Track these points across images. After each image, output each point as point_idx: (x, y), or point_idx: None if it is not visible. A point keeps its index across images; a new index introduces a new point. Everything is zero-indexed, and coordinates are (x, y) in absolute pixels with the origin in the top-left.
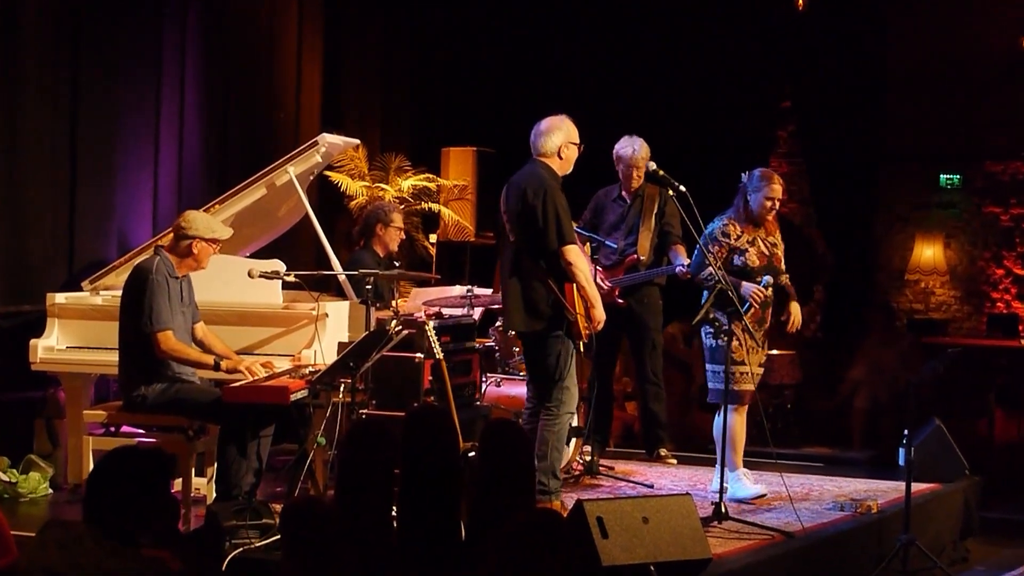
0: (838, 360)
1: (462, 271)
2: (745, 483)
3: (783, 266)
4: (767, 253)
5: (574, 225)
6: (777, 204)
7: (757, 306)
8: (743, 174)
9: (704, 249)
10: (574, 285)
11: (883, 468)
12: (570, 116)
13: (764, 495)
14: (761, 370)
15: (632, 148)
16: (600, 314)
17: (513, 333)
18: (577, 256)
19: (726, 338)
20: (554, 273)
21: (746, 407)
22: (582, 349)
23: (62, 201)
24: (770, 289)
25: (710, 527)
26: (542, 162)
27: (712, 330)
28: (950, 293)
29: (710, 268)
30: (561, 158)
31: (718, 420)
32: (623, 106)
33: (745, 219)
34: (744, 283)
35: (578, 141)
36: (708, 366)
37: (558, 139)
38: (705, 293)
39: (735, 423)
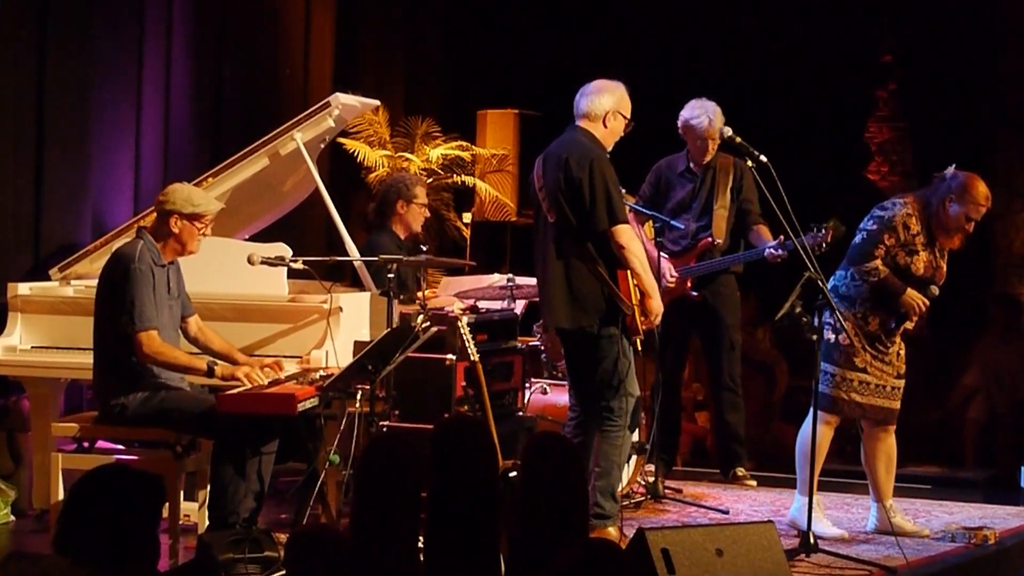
0: (948, 363)
1: (502, 257)
2: (818, 515)
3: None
4: (935, 266)
5: (632, 202)
6: (972, 227)
7: (915, 318)
8: (950, 168)
9: (877, 236)
10: (627, 272)
11: (1001, 490)
12: (631, 73)
13: (843, 537)
14: (899, 383)
15: (706, 117)
16: (657, 305)
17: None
18: (630, 238)
19: (816, 336)
20: (603, 258)
21: (836, 421)
22: (639, 347)
23: (26, 174)
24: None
25: (796, 561)
26: (584, 128)
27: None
28: None
29: (878, 260)
30: (606, 126)
31: (803, 430)
32: (692, 61)
33: (934, 222)
34: (910, 288)
35: (629, 116)
36: (825, 365)
37: (607, 102)
38: (840, 277)
39: (820, 436)
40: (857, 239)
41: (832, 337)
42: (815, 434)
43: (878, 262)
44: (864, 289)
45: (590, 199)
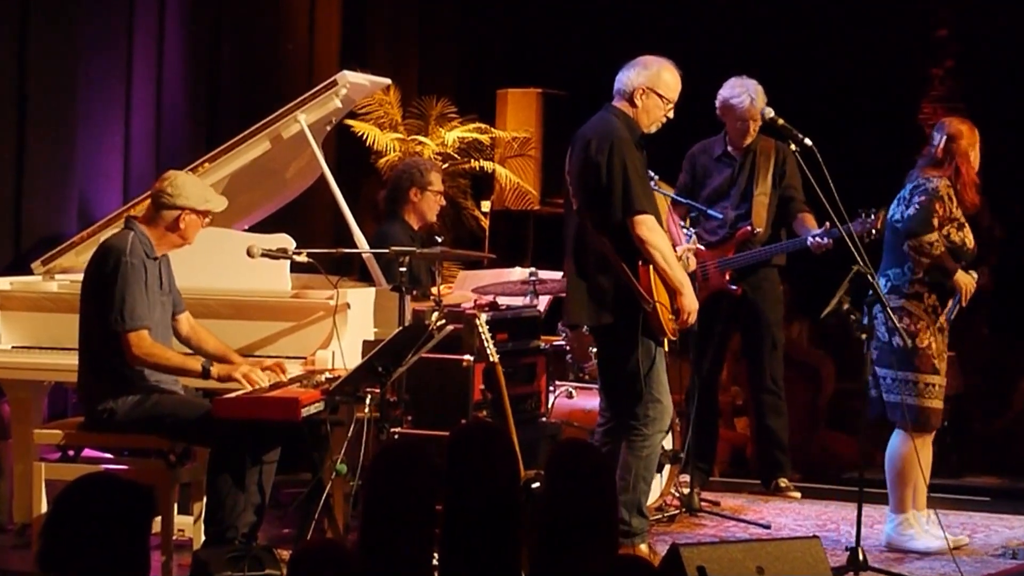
0: (1010, 364)
1: (523, 249)
2: (917, 531)
3: None
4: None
5: (669, 191)
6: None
7: (964, 303)
8: (941, 123)
9: (929, 205)
10: (650, 266)
11: None
12: (666, 48)
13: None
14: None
15: (748, 96)
16: (690, 303)
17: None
18: (651, 230)
19: (866, 336)
20: (623, 251)
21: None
22: (666, 348)
23: (7, 159)
24: None
25: None
26: (616, 107)
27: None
28: None
29: (935, 233)
30: (635, 105)
31: (894, 443)
32: (733, 36)
33: (960, 184)
34: (960, 270)
35: (668, 97)
36: (886, 371)
37: (637, 78)
38: (897, 275)
39: (913, 450)
40: (910, 211)
41: (909, 342)
42: (910, 450)
43: (936, 234)
44: (921, 275)
45: (607, 185)
